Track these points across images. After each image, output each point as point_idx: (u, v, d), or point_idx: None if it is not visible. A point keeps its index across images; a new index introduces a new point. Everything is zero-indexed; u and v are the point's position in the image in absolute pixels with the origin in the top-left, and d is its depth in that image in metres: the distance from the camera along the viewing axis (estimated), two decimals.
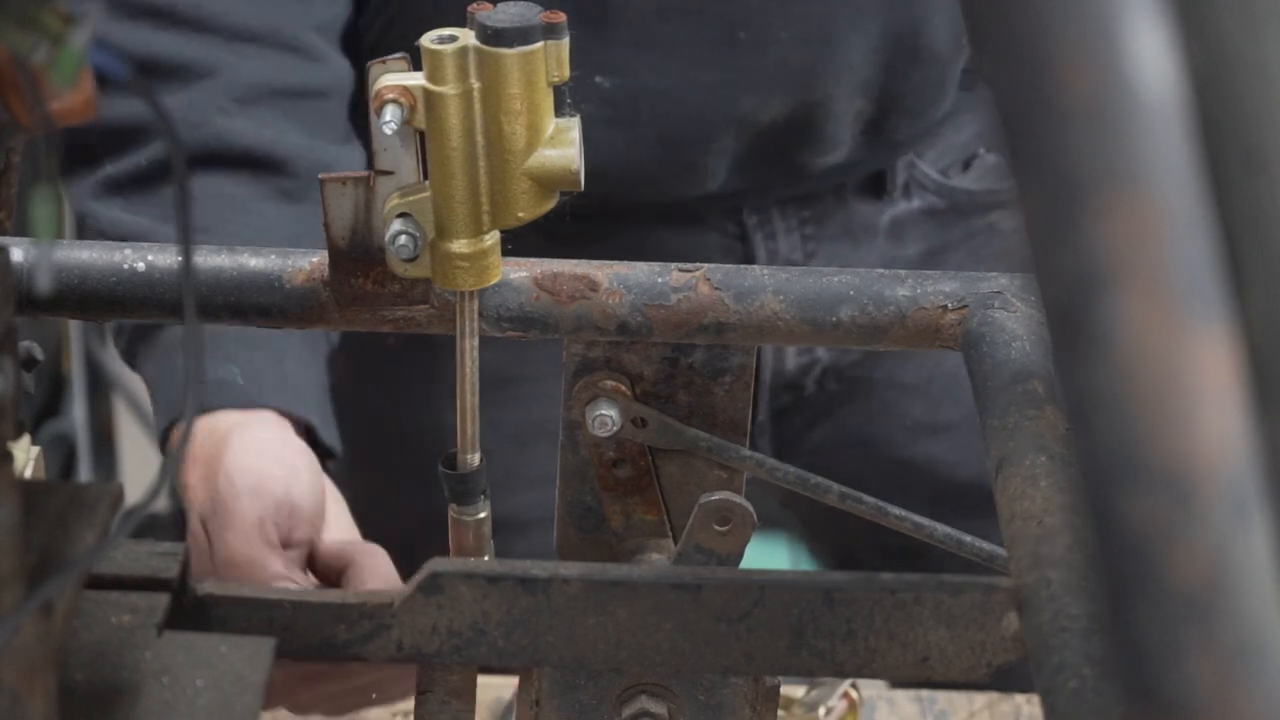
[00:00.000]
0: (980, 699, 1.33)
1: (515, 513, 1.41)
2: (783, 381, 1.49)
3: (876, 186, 1.47)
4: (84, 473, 2.75)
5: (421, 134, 0.92)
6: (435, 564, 0.88)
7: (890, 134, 1.43)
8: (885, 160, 1.45)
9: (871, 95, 1.39)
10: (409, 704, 1.27)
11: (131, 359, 1.24)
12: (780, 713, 1.09)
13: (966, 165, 1.49)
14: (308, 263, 0.98)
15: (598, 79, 1.33)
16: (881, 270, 1.00)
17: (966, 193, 1.48)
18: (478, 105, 0.91)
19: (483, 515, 0.99)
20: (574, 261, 1.00)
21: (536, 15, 0.91)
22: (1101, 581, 0.50)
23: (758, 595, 0.87)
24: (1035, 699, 1.11)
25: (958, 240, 1.48)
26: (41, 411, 2.82)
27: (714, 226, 1.43)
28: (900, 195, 1.47)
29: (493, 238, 0.94)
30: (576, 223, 1.33)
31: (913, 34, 1.38)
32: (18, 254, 0.93)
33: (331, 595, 0.89)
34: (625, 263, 1.00)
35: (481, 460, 0.98)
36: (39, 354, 1.00)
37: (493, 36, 0.90)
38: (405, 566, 1.11)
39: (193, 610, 0.87)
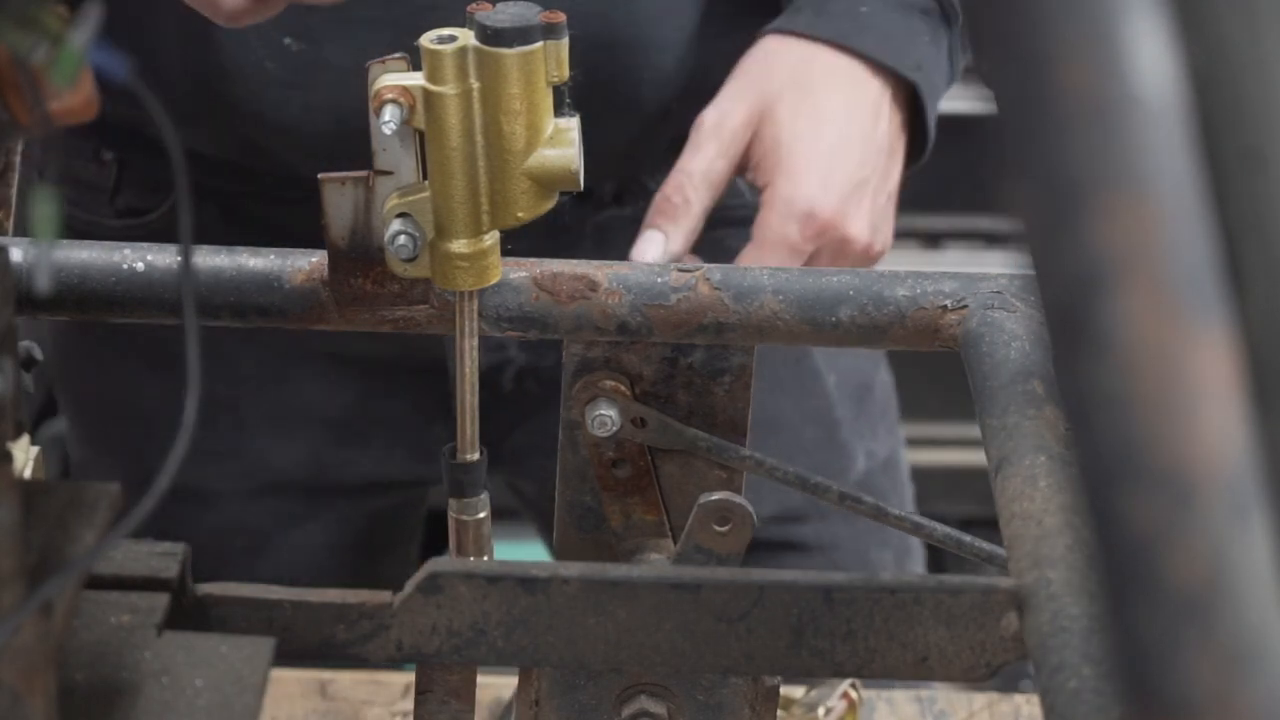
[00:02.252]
0: (980, 699, 1.33)
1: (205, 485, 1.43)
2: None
3: (584, 191, 1.42)
4: None
5: (421, 134, 0.92)
6: (435, 564, 0.88)
7: (590, 177, 1.39)
8: (592, 179, 1.41)
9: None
10: (409, 704, 1.27)
11: None
12: (780, 713, 1.09)
13: None
14: (307, 263, 0.98)
15: (286, 40, 1.31)
16: (882, 270, 1.00)
17: None
18: (477, 105, 0.91)
19: (483, 515, 1.00)
20: (574, 261, 1.00)
21: (536, 15, 0.91)
22: (1101, 581, 0.50)
23: (757, 595, 0.87)
24: (1035, 699, 1.11)
25: None
26: (41, 411, 2.81)
27: None
28: (610, 200, 1.42)
29: (492, 238, 0.94)
30: (273, 185, 1.32)
31: (612, 80, 1.33)
32: (18, 254, 0.93)
33: (331, 595, 0.89)
34: (625, 263, 1.00)
35: (483, 454, 0.98)
36: (39, 354, 1.00)
37: (492, 36, 0.90)
38: None
39: (193, 610, 0.86)
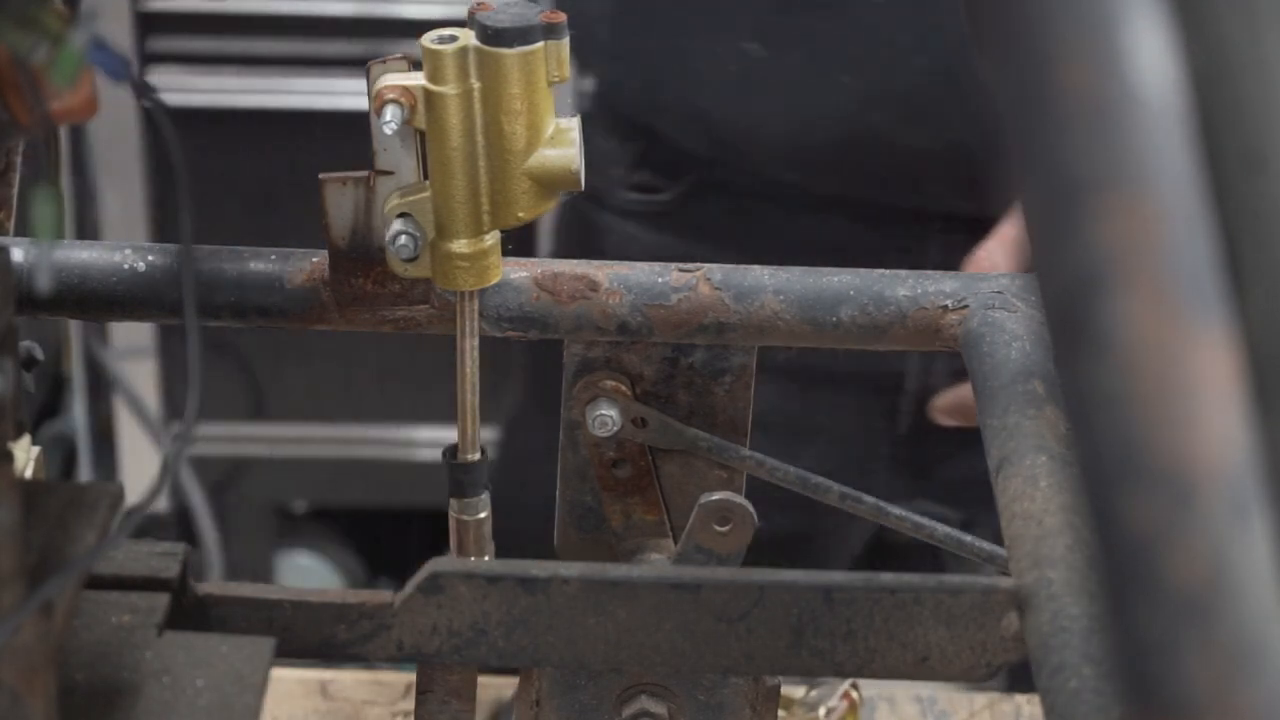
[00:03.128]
0: (980, 699, 1.33)
1: None
2: (930, 397, 1.45)
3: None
4: (84, 473, 2.75)
5: (421, 134, 0.92)
6: (435, 564, 0.88)
7: (994, 190, 1.40)
8: (997, 211, 1.41)
9: (968, 151, 1.37)
10: (409, 704, 1.27)
11: None
12: (780, 713, 1.09)
13: None
14: (308, 263, 0.98)
15: (747, 45, 1.34)
16: (881, 270, 1.00)
17: None
18: (478, 105, 0.91)
19: (483, 515, 1.00)
20: (574, 261, 1.00)
21: (536, 15, 0.91)
22: (1101, 581, 0.50)
23: (758, 595, 0.87)
24: (1035, 699, 1.11)
25: None
26: (41, 411, 2.82)
27: (877, 225, 1.42)
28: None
29: (493, 238, 0.94)
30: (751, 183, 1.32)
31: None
32: (18, 254, 0.93)
33: (331, 595, 0.89)
34: (625, 263, 1.00)
35: (483, 454, 0.98)
36: (39, 354, 1.00)
37: (493, 36, 0.90)
38: None
39: (193, 610, 0.86)
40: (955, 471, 1.50)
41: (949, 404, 1.36)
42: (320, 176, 0.94)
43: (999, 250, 1.31)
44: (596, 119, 1.52)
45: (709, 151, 1.43)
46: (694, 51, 1.37)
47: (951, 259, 1.41)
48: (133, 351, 2.64)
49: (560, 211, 1.58)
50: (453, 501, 0.99)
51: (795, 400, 1.48)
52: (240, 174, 2.34)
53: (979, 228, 1.41)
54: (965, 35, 1.32)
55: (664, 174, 1.48)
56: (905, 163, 1.39)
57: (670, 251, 1.46)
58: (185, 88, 2.24)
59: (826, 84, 1.31)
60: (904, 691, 1.33)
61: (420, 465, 2.64)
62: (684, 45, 1.38)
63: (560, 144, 0.92)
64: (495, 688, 1.30)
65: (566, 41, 0.91)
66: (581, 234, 1.54)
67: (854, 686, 1.25)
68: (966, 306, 0.99)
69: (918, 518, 1.03)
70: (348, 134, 1.04)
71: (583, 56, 1.48)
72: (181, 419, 2.08)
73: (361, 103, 0.92)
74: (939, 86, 1.35)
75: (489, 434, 1.46)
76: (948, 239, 1.42)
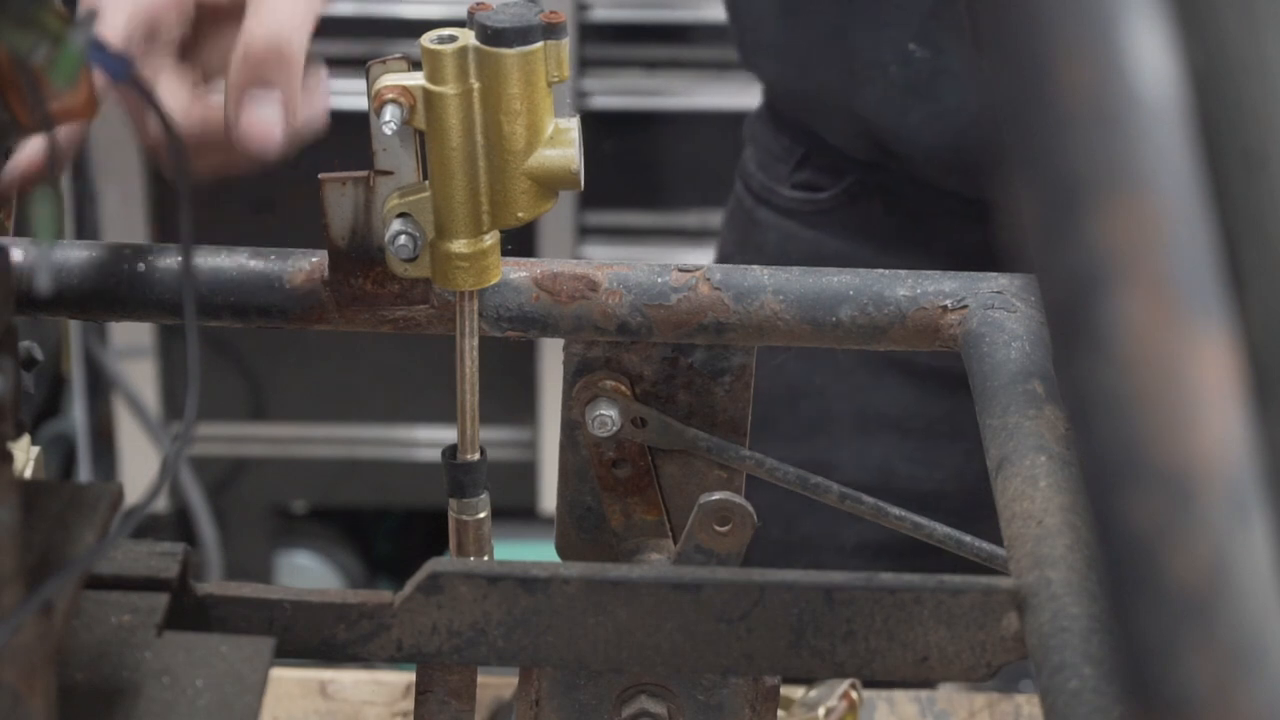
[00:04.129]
0: (980, 699, 1.33)
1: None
2: None
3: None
4: (84, 473, 2.75)
5: (421, 134, 0.92)
6: (435, 564, 0.88)
7: None
8: None
9: None
10: (409, 704, 1.27)
11: None
12: (780, 713, 1.09)
13: None
14: (308, 263, 0.98)
15: (911, 46, 1.34)
16: (881, 270, 1.00)
17: None
18: (477, 105, 0.91)
19: (483, 515, 1.00)
20: (574, 261, 1.00)
21: (536, 15, 0.91)
22: (1101, 581, 0.50)
23: (758, 595, 0.87)
24: (1035, 699, 1.11)
25: None
26: (41, 411, 2.82)
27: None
28: None
29: (492, 238, 0.94)
30: (910, 190, 1.30)
31: None
32: (18, 254, 0.93)
33: (331, 595, 0.89)
34: (625, 263, 1.00)
35: (483, 454, 0.98)
36: (39, 354, 1.00)
37: (493, 36, 0.90)
38: None
39: (193, 610, 0.86)
40: None
41: None
42: (320, 176, 0.94)
43: None
44: (765, 117, 1.53)
45: (868, 155, 1.43)
46: (855, 53, 1.37)
47: None
48: (133, 351, 2.64)
49: (729, 207, 1.59)
50: (452, 501, 0.99)
51: (940, 402, 1.48)
52: (240, 174, 2.34)
53: None
54: None
55: (826, 174, 1.48)
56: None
57: (829, 249, 1.47)
58: None
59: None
60: (904, 691, 1.33)
61: (420, 465, 2.64)
62: (845, 47, 1.38)
63: (560, 144, 0.92)
64: (495, 688, 1.30)
65: (566, 41, 0.91)
66: (745, 229, 1.55)
67: (854, 686, 1.25)
68: (966, 306, 0.99)
69: (917, 518, 1.03)
70: (348, 134, 1.03)
71: (748, 55, 1.48)
72: (181, 419, 2.08)
73: (361, 103, 0.92)
74: None
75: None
76: None
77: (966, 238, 1.38)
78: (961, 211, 1.41)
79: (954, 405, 1.47)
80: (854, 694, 1.25)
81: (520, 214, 0.93)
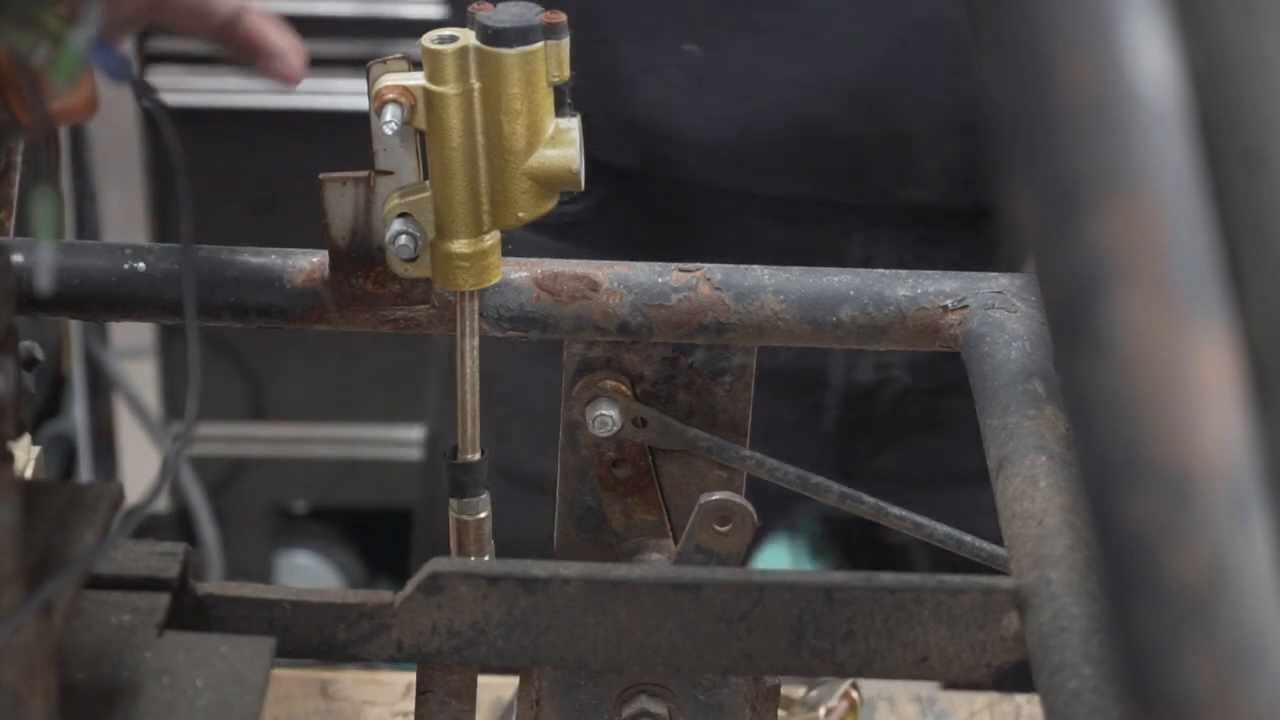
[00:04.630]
0: (980, 699, 1.33)
1: (546, 475, 1.44)
2: (857, 393, 1.45)
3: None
4: (84, 473, 2.75)
5: (421, 134, 0.92)
6: (435, 564, 0.88)
7: (995, 186, 1.38)
8: (993, 200, 1.38)
9: (965, 139, 1.34)
10: (409, 704, 1.27)
11: None
12: (780, 713, 1.09)
13: None
14: (308, 263, 0.98)
15: (686, 46, 1.32)
16: (882, 270, 1.00)
17: None
18: (478, 105, 0.91)
19: (483, 515, 1.00)
20: (574, 261, 1.00)
21: (536, 15, 0.91)
22: (1102, 581, 0.50)
23: (758, 595, 0.87)
24: (1035, 699, 1.11)
25: None
26: (41, 411, 2.82)
27: (816, 222, 1.39)
28: None
29: (493, 238, 0.94)
30: (681, 197, 1.29)
31: None
32: (18, 254, 0.93)
33: (332, 595, 0.89)
34: (625, 263, 1.00)
35: (484, 454, 0.98)
36: (39, 354, 1.00)
37: (493, 36, 0.90)
38: None
39: (193, 610, 0.86)
40: (884, 468, 1.48)
41: None
42: (320, 176, 0.94)
43: None
44: None
45: (630, 162, 1.39)
46: (625, 60, 1.35)
47: (893, 253, 1.39)
48: (133, 351, 2.64)
49: None
50: (453, 501, 0.99)
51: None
52: (240, 174, 2.34)
53: (923, 217, 1.39)
54: (911, 17, 1.31)
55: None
56: (849, 155, 1.36)
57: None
58: (185, 88, 2.24)
59: (769, 79, 1.28)
60: (904, 691, 1.33)
61: (420, 465, 2.64)
62: (614, 56, 1.35)
63: (560, 144, 0.92)
64: (495, 688, 1.30)
65: (567, 41, 0.91)
66: None
67: (854, 686, 1.25)
68: (966, 306, 0.99)
69: (918, 518, 1.03)
70: (348, 134, 1.03)
71: None
72: (181, 419, 2.08)
73: (361, 103, 0.92)
74: (886, 73, 1.33)
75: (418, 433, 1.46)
76: (891, 233, 1.40)
77: (741, 237, 1.35)
78: (739, 209, 1.39)
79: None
80: (854, 694, 1.25)
81: (520, 214, 0.93)
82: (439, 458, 0.99)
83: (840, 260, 1.39)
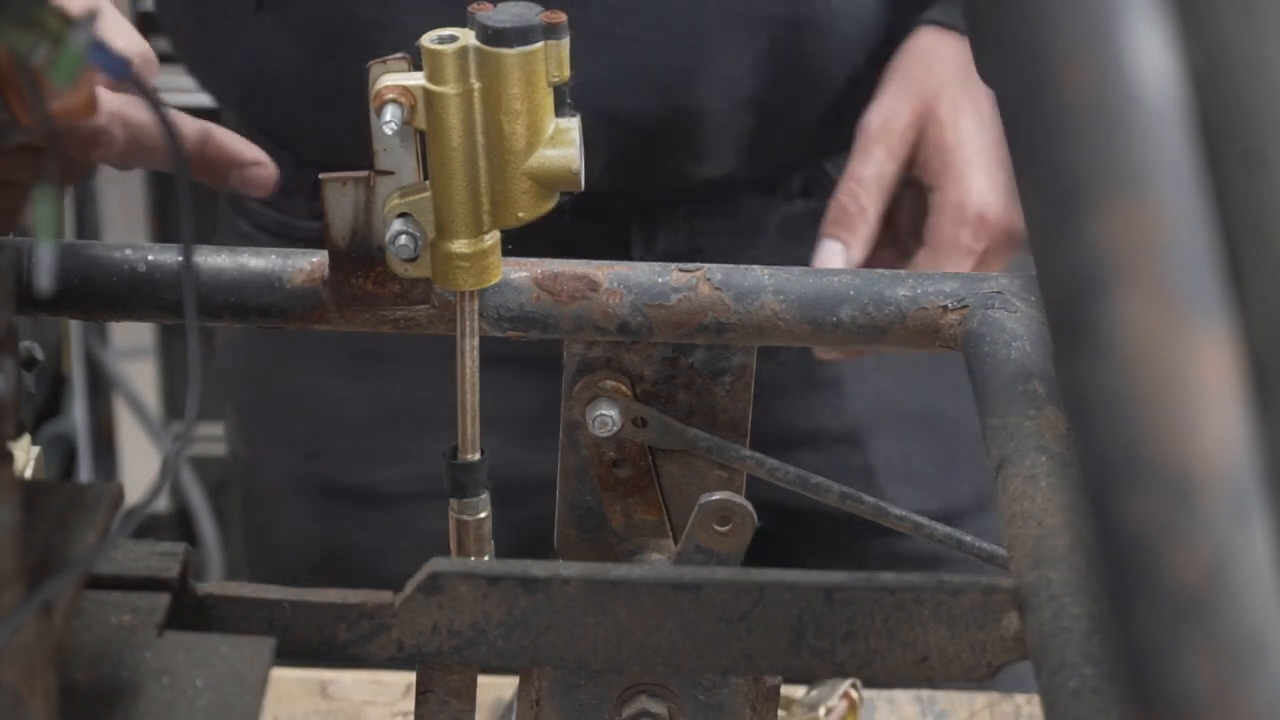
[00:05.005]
0: (980, 699, 1.33)
1: (378, 485, 1.43)
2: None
3: (770, 183, 1.42)
4: (84, 473, 2.75)
5: (421, 134, 0.92)
6: (435, 564, 0.88)
7: (780, 154, 1.38)
8: (777, 176, 1.41)
9: (758, 114, 1.35)
10: (409, 704, 1.27)
11: None
12: (780, 713, 1.09)
13: None
14: (308, 263, 0.98)
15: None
16: (882, 270, 1.00)
17: None
18: (478, 105, 0.91)
19: (483, 515, 1.00)
20: (574, 261, 1.00)
21: (537, 15, 0.91)
22: (1101, 581, 0.50)
23: (758, 595, 0.87)
24: (1035, 699, 1.11)
25: None
26: (41, 411, 2.82)
27: (589, 212, 1.39)
28: (797, 193, 1.42)
29: (493, 238, 0.94)
30: None
31: (805, 57, 1.34)
32: (18, 254, 0.93)
33: (332, 595, 0.89)
34: (625, 263, 1.00)
35: (484, 454, 0.99)
36: (39, 354, 1.00)
37: (493, 36, 0.90)
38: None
39: (193, 610, 0.86)
40: None
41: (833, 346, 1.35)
42: (320, 176, 0.94)
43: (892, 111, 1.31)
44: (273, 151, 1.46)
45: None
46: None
47: (670, 237, 1.40)
48: (133, 351, 2.65)
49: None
50: (452, 501, 0.99)
51: (534, 394, 1.46)
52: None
53: (715, 193, 1.39)
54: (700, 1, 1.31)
55: None
56: (634, 137, 1.36)
57: None
58: (185, 88, 2.24)
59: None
60: (904, 691, 1.33)
61: None
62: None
63: (560, 144, 0.92)
64: (495, 688, 1.30)
65: (567, 41, 0.91)
66: None
67: (854, 686, 1.25)
68: (966, 306, 0.99)
69: (918, 518, 1.03)
70: None
71: (246, 104, 1.42)
72: (181, 419, 2.08)
73: None
74: (678, 53, 1.33)
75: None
76: (672, 214, 1.40)
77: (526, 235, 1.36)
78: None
79: (553, 391, 1.47)
80: (854, 694, 1.25)
81: (520, 214, 0.93)
82: (442, 459, 0.99)
83: (624, 248, 1.40)
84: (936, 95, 1.30)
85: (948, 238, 1.28)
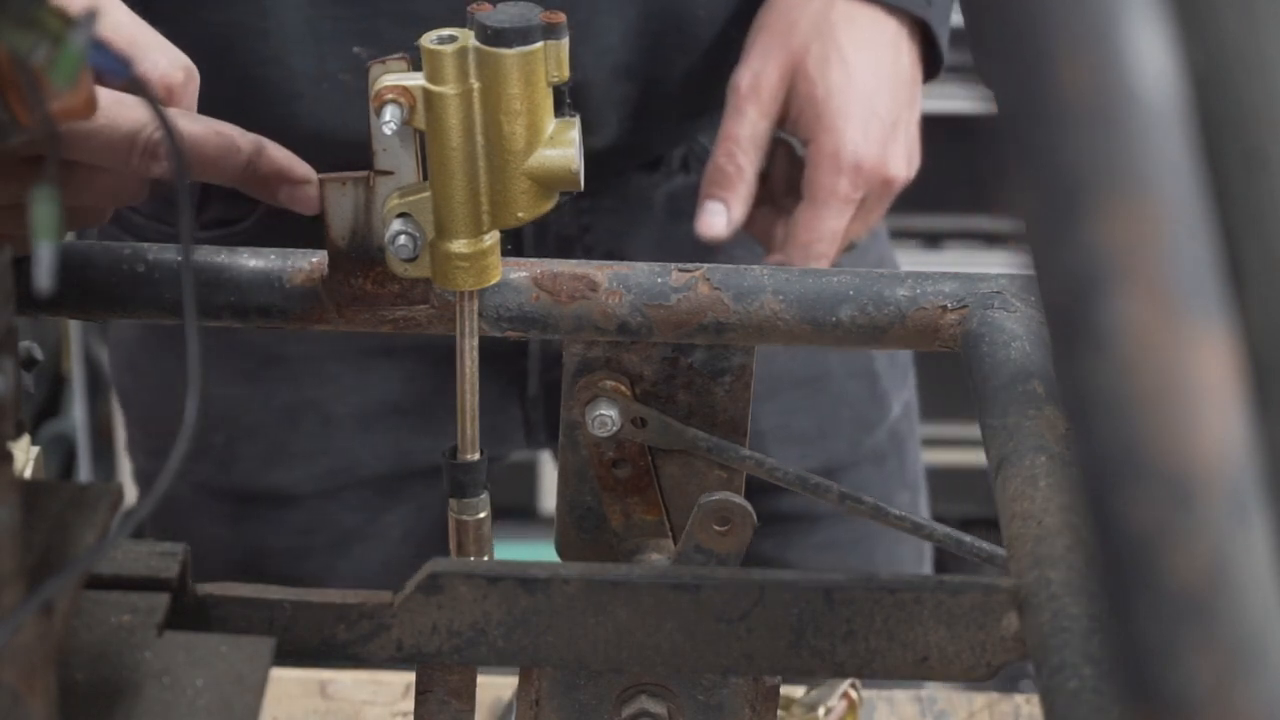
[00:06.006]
0: (980, 699, 1.33)
1: (288, 486, 1.44)
2: (555, 355, 1.45)
3: (652, 157, 1.43)
4: (84, 473, 2.75)
5: (421, 134, 0.92)
6: (435, 564, 0.88)
7: (660, 119, 1.39)
8: (659, 144, 1.42)
9: (635, 80, 1.36)
10: (409, 704, 1.27)
11: None
12: (780, 713, 1.09)
13: None
14: (308, 263, 0.98)
15: (355, 49, 1.31)
16: (882, 270, 1.00)
17: None
18: (477, 105, 0.91)
19: (483, 515, 1.00)
20: (574, 262, 1.00)
21: (536, 15, 0.91)
22: (1101, 581, 0.50)
23: (758, 595, 0.87)
24: (1035, 699, 1.11)
25: None
26: (41, 411, 2.82)
27: None
28: (678, 168, 1.44)
29: (492, 238, 0.94)
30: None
31: (675, 20, 1.35)
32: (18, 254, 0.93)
33: (331, 595, 0.89)
34: (625, 263, 1.00)
35: (483, 454, 0.99)
36: (39, 354, 1.00)
37: (493, 36, 0.90)
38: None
39: (193, 610, 0.87)
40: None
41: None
42: (320, 176, 0.94)
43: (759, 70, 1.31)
44: None
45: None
46: (296, 77, 1.31)
47: (571, 219, 1.41)
48: None
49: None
50: (452, 501, 0.99)
51: (425, 381, 1.47)
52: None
53: (600, 170, 1.39)
54: None
55: (236, 204, 1.39)
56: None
57: None
58: None
59: None
60: (904, 691, 1.33)
61: None
62: (282, 75, 1.31)
63: (560, 144, 0.92)
64: (495, 688, 1.30)
65: (566, 41, 0.91)
66: None
67: (854, 686, 1.25)
68: (965, 306, 0.99)
69: (917, 518, 1.03)
70: None
71: None
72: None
73: None
74: (640, 43, 1.34)
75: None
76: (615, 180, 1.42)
77: None
78: None
79: (444, 377, 1.46)
80: (854, 694, 1.25)
81: (520, 214, 0.93)
82: (442, 458, 1.00)
83: (515, 235, 1.38)
84: (803, 49, 1.31)
85: (825, 187, 1.29)
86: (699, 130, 1.43)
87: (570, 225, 1.42)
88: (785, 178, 1.34)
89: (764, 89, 1.31)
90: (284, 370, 1.45)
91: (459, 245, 0.93)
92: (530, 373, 1.49)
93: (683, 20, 1.36)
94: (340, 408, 1.47)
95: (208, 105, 1.16)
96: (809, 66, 1.31)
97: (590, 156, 1.37)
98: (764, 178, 1.33)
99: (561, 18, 0.92)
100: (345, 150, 1.34)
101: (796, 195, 1.32)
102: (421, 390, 1.47)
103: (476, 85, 0.91)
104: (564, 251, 1.42)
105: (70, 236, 1.22)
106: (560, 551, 1.05)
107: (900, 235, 2.71)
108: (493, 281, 0.95)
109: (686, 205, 1.40)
